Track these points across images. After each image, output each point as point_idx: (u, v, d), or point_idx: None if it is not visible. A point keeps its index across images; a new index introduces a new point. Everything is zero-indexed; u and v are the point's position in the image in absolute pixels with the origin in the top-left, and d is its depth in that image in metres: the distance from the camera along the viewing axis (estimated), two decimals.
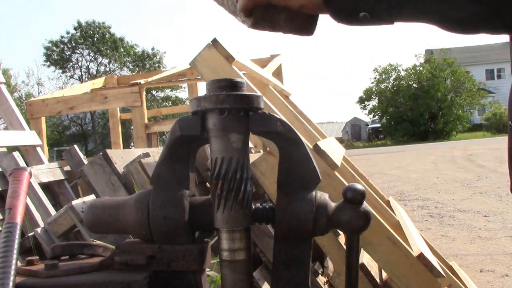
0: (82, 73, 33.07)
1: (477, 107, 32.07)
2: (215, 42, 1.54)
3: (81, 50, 32.84)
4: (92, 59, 33.30)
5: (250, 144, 2.99)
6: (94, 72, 32.65)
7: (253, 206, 0.67)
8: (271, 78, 3.10)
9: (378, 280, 2.01)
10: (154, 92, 32.15)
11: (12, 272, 0.62)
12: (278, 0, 0.66)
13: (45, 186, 2.75)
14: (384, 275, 2.12)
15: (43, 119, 4.55)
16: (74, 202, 2.06)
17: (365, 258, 2.07)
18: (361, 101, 34.65)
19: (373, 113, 34.67)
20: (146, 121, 4.66)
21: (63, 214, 2.06)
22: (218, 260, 0.69)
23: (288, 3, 0.66)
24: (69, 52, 32.63)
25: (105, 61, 33.43)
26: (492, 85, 34.76)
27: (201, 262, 0.66)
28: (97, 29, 32.38)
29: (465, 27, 0.64)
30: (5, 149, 2.70)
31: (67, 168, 2.98)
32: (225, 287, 0.67)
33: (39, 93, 30.89)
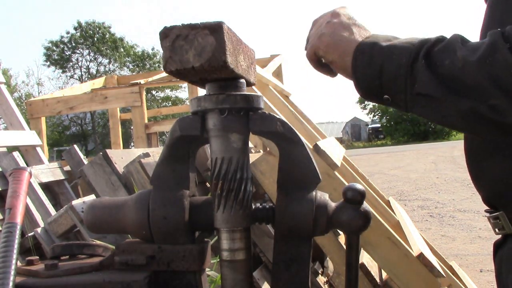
0: (82, 73, 33.07)
1: None
2: None
3: (81, 50, 32.84)
4: (92, 59, 33.31)
5: (250, 144, 2.99)
6: (94, 72, 32.64)
7: (253, 206, 0.67)
8: (271, 78, 3.10)
9: (378, 280, 2.01)
10: (154, 92, 32.15)
11: (12, 272, 0.62)
12: (321, 52, 0.76)
13: (45, 186, 2.75)
14: (384, 275, 2.12)
15: (43, 119, 4.54)
16: (74, 202, 2.06)
17: (365, 258, 2.07)
18: (361, 101, 34.66)
19: (373, 113, 34.69)
20: (146, 121, 4.66)
21: (63, 214, 2.06)
22: (218, 260, 0.69)
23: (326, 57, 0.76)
24: (69, 52, 32.63)
25: (105, 61, 33.43)
26: None
27: (201, 262, 0.66)
28: (97, 29, 32.37)
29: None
30: (5, 149, 2.70)
31: (67, 168, 2.98)
32: (225, 287, 0.67)
33: (39, 93, 30.90)
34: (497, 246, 0.83)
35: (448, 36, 0.67)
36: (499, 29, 0.62)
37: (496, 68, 0.58)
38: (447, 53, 0.63)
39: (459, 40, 0.64)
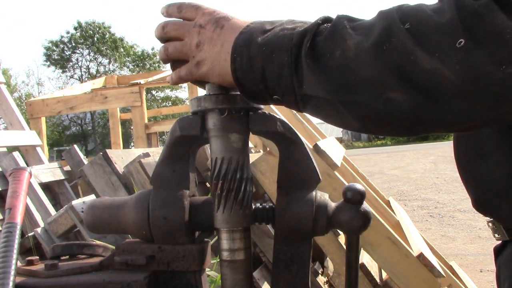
0: (82, 73, 33.10)
1: None
2: None
3: (81, 50, 32.87)
4: (92, 59, 33.33)
5: (250, 144, 2.99)
6: (94, 72, 32.66)
7: (253, 206, 0.67)
8: None
9: (378, 280, 2.02)
10: (154, 92, 32.16)
11: (12, 272, 0.62)
12: (200, 78, 0.66)
13: (45, 186, 2.76)
14: (384, 275, 2.12)
15: (43, 119, 4.55)
16: (74, 202, 2.06)
17: (365, 258, 2.07)
18: None
19: None
20: (146, 121, 4.67)
21: (63, 214, 2.06)
22: (218, 260, 0.69)
23: (207, 80, 0.65)
24: (69, 52, 32.66)
25: (105, 61, 33.45)
26: None
27: (201, 262, 0.66)
28: (97, 29, 32.38)
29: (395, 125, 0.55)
30: (5, 149, 2.70)
31: (67, 168, 2.98)
32: (225, 287, 0.67)
33: (39, 93, 30.92)
34: (497, 251, 0.81)
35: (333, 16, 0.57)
36: (393, 7, 0.52)
37: (395, 56, 0.49)
38: (336, 42, 0.53)
39: (345, 23, 0.54)
